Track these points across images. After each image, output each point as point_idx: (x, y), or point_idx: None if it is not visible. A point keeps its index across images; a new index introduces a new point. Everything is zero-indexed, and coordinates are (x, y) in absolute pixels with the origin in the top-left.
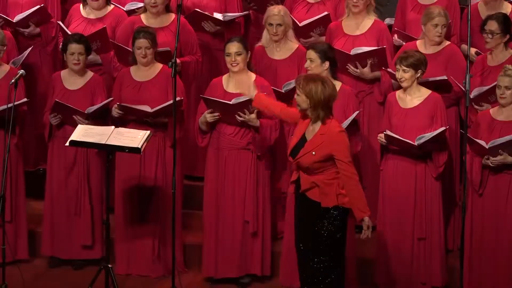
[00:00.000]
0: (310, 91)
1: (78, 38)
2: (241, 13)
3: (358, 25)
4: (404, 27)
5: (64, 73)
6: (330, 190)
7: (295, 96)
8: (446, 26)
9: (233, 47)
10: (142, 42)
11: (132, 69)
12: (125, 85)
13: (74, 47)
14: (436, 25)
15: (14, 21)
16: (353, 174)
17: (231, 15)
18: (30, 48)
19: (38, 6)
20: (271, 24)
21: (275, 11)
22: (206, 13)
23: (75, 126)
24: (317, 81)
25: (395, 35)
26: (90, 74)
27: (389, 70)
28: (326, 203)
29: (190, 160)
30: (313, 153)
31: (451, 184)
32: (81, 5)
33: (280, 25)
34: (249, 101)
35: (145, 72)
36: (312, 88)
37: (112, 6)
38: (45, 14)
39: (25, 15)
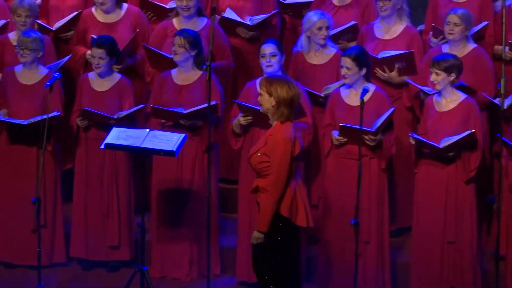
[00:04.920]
0: (275, 90)
1: (100, 42)
2: (266, 14)
3: (389, 30)
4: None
5: (92, 74)
6: None
7: (259, 97)
8: (459, 25)
9: (268, 48)
10: (176, 39)
11: (174, 72)
12: (166, 88)
13: (94, 51)
14: (449, 23)
15: (53, 29)
16: (275, 186)
17: (258, 17)
18: (68, 57)
19: (76, 12)
20: (320, 28)
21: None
22: (233, 18)
23: (103, 128)
24: (281, 81)
25: (430, 34)
26: (117, 76)
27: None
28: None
29: (226, 163)
30: (258, 154)
31: (487, 187)
32: (93, 10)
33: (328, 28)
34: None
35: (187, 75)
36: (277, 87)
37: (126, 6)
38: (80, 18)
39: (63, 22)
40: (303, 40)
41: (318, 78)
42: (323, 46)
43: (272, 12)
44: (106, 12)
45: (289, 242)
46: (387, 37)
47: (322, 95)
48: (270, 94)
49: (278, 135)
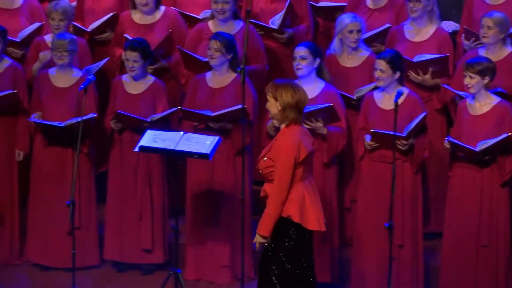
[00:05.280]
0: (280, 95)
1: (134, 45)
2: (281, 13)
3: (420, 31)
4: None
5: (126, 77)
6: None
7: (267, 103)
8: (493, 28)
9: (299, 51)
10: (213, 43)
11: (209, 75)
12: (199, 91)
13: (128, 54)
14: (483, 26)
15: (88, 30)
16: (277, 190)
17: (278, 17)
18: (106, 59)
19: (111, 14)
20: (351, 31)
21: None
22: (259, 23)
23: (137, 131)
24: (286, 85)
25: (462, 36)
26: (151, 79)
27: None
28: None
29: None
30: (265, 159)
31: None
32: (131, 12)
33: (359, 31)
34: (314, 113)
35: (221, 78)
36: (282, 92)
37: (163, 8)
38: (118, 21)
39: (98, 23)
40: (335, 43)
41: (351, 80)
42: (356, 49)
43: (286, 4)
44: (146, 13)
45: (300, 246)
46: (417, 39)
47: (354, 97)
48: (276, 99)
49: (282, 140)
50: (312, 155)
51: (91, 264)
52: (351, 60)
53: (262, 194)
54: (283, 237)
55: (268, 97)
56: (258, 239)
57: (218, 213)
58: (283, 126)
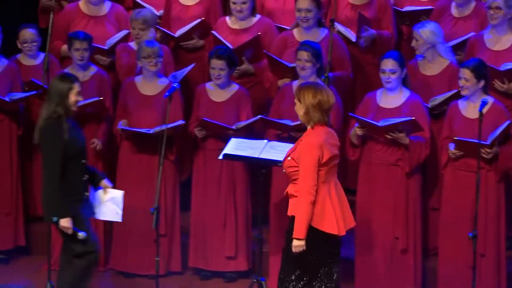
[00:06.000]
0: (302, 96)
1: (220, 53)
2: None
3: (500, 40)
4: None
5: (209, 85)
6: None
7: (295, 106)
8: None
9: (388, 64)
10: (303, 54)
11: (295, 83)
12: (285, 98)
13: (214, 62)
14: None
15: (176, 36)
16: (303, 191)
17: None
18: (192, 65)
19: (199, 20)
20: None
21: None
22: (344, 28)
23: (221, 138)
24: (309, 87)
25: None
26: (235, 86)
27: None
28: (289, 212)
29: (349, 173)
30: (289, 158)
31: None
32: (227, 18)
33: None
34: (396, 125)
35: None
36: (304, 93)
37: (258, 16)
38: (206, 27)
39: (186, 29)
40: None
41: (431, 88)
42: (436, 57)
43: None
44: (241, 19)
45: (317, 249)
46: (497, 47)
47: (429, 106)
48: (300, 101)
49: (305, 141)
50: (337, 158)
51: (173, 271)
52: (432, 68)
53: (284, 193)
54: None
55: (295, 100)
56: (296, 243)
57: None
58: (308, 127)
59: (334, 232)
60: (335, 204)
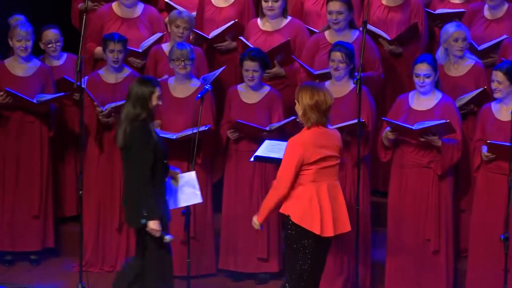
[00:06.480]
0: (300, 97)
1: (253, 55)
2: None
3: None
4: None
5: (241, 87)
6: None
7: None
8: None
9: (423, 68)
10: (336, 55)
11: (327, 84)
12: None
13: (248, 64)
14: None
15: (209, 37)
16: (278, 186)
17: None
18: (222, 68)
19: (232, 21)
20: (457, 39)
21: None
22: (377, 30)
23: (254, 140)
24: (307, 87)
25: None
26: (267, 88)
27: None
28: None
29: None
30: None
31: None
32: (258, 19)
33: (465, 39)
34: (430, 128)
35: (339, 88)
36: (302, 94)
37: (290, 18)
38: (240, 29)
39: (219, 31)
40: (440, 52)
41: (457, 89)
42: (461, 57)
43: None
44: (272, 18)
45: (298, 248)
46: None
47: (456, 105)
48: (298, 102)
49: (292, 139)
50: (332, 160)
51: (206, 273)
52: (457, 69)
53: None
54: (286, 237)
55: (295, 100)
56: (253, 220)
57: None
58: (305, 127)
59: (316, 231)
60: (325, 205)
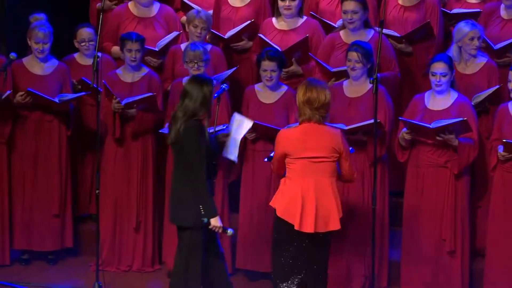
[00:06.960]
0: (297, 93)
1: (271, 55)
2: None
3: None
4: None
5: (258, 86)
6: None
7: None
8: None
9: (439, 67)
10: (353, 54)
11: (346, 83)
12: (336, 100)
13: (266, 64)
14: None
15: (225, 37)
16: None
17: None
18: (234, 68)
19: (248, 21)
20: (472, 38)
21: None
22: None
23: (270, 140)
24: (303, 84)
25: None
26: (284, 88)
27: None
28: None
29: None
30: None
31: None
32: (273, 19)
33: (479, 38)
34: (447, 126)
35: (358, 88)
36: (298, 90)
37: (305, 17)
38: (256, 28)
39: (236, 31)
40: (453, 50)
41: (470, 87)
42: (474, 56)
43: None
44: (288, 18)
45: (280, 239)
46: None
47: (472, 103)
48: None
49: (281, 131)
50: (318, 158)
51: None
52: (469, 67)
53: None
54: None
55: None
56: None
57: (353, 224)
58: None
59: (295, 226)
60: (309, 200)
